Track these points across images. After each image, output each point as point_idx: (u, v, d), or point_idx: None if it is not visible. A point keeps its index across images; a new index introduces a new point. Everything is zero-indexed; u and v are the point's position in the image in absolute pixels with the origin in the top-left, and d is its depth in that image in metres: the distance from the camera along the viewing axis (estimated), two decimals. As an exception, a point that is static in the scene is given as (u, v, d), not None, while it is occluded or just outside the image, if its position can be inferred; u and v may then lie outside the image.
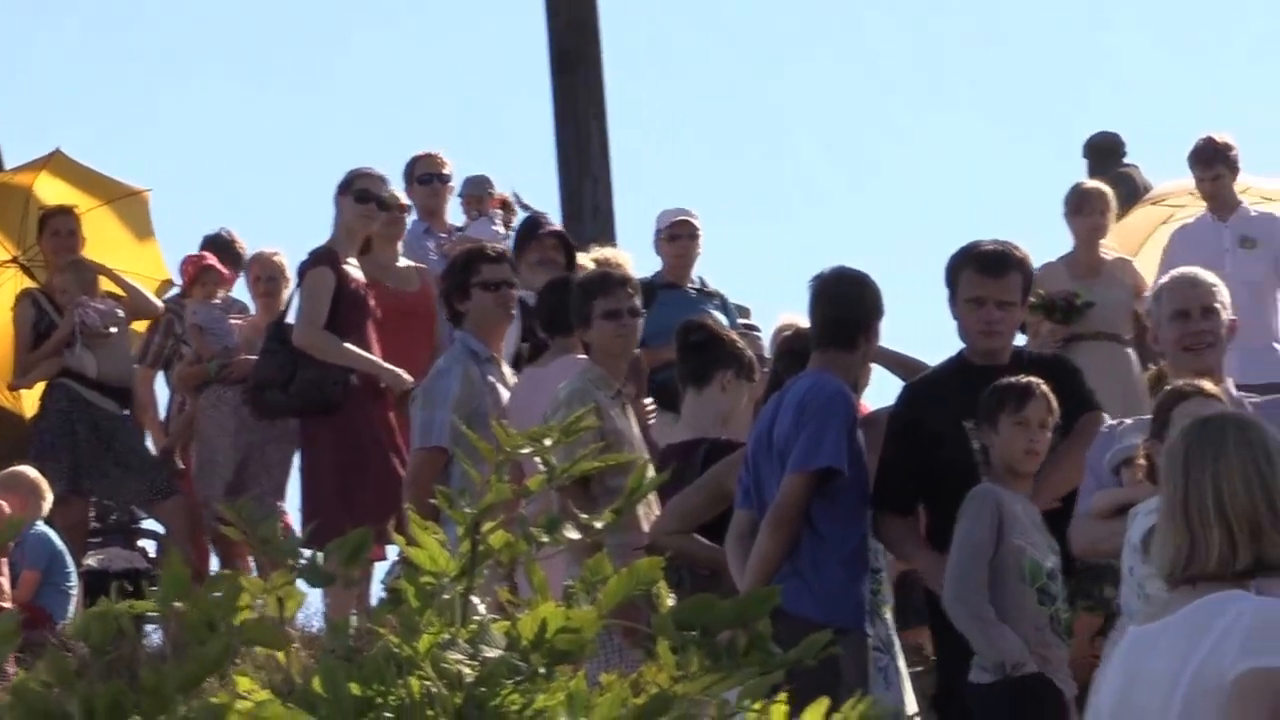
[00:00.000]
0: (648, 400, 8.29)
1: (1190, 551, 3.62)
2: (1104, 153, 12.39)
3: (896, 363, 7.92)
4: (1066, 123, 24.72)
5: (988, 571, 6.43)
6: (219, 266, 10.97)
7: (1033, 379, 6.51)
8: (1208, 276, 6.76)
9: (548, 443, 3.35)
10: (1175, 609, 3.66)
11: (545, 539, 3.28)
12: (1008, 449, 6.49)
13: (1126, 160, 12.73)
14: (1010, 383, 6.54)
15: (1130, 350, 10.07)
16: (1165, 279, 7.15)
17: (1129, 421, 6.50)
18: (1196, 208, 11.01)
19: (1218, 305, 6.52)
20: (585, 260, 9.40)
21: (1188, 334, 6.45)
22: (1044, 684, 6.44)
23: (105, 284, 10.72)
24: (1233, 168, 10.73)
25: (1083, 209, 10.45)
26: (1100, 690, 3.79)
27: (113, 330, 10.45)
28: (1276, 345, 10.48)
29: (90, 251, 10.76)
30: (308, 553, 3.29)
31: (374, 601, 8.45)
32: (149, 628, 8.22)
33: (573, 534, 3.31)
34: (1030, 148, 25.73)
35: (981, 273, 6.81)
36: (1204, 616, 3.54)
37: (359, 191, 9.53)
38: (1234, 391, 6.37)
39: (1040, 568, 6.44)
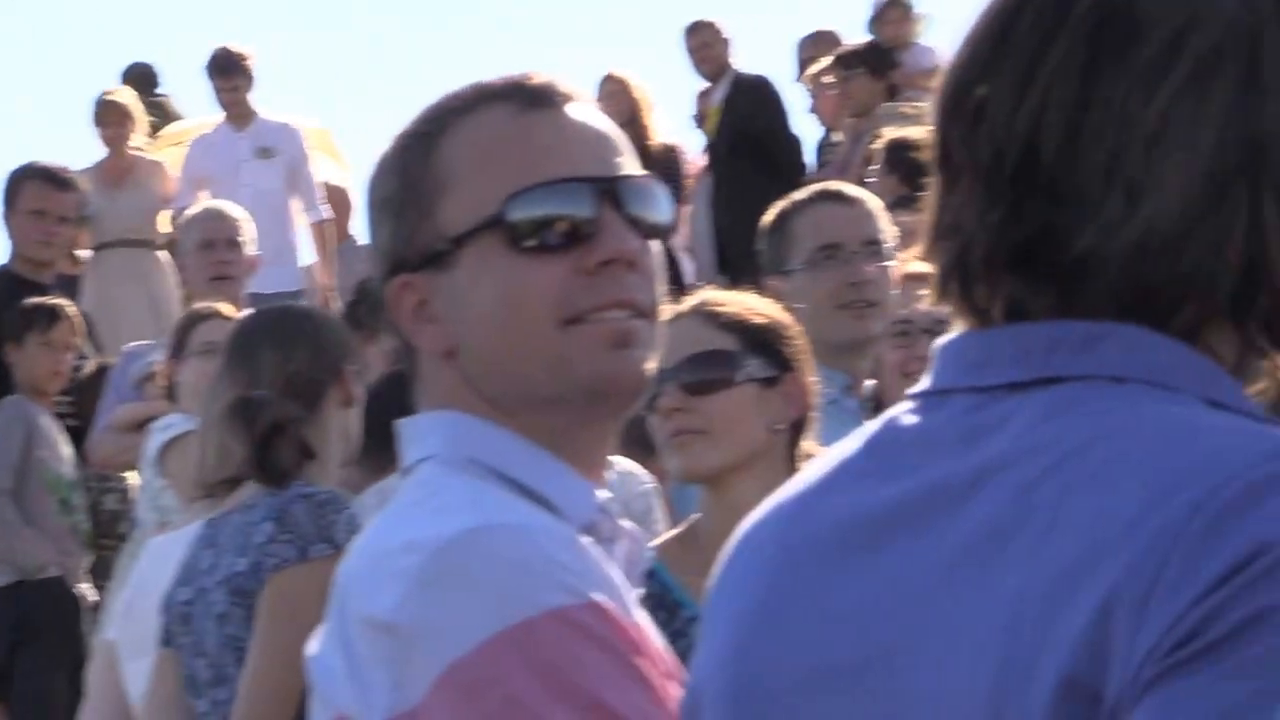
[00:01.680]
0: None
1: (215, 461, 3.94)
2: (140, 82, 12.42)
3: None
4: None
5: (13, 480, 6.54)
6: None
7: (62, 301, 6.64)
8: (233, 210, 7.11)
9: None
10: (200, 517, 3.97)
11: None
12: (34, 368, 6.61)
13: (160, 90, 12.84)
14: (38, 304, 6.64)
15: (160, 255, 9.97)
16: (195, 209, 7.43)
17: (152, 342, 6.72)
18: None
19: (240, 239, 6.85)
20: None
21: (214, 262, 6.74)
22: (63, 586, 6.66)
23: None
24: (249, 78, 10.74)
25: (104, 120, 10.37)
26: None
27: None
28: (293, 255, 10.63)
29: None
30: None
31: None
32: None
33: None
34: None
35: (44, 185, 6.92)
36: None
37: None
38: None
39: (61, 480, 6.58)
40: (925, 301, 1.45)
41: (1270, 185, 1.35)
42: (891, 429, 1.44)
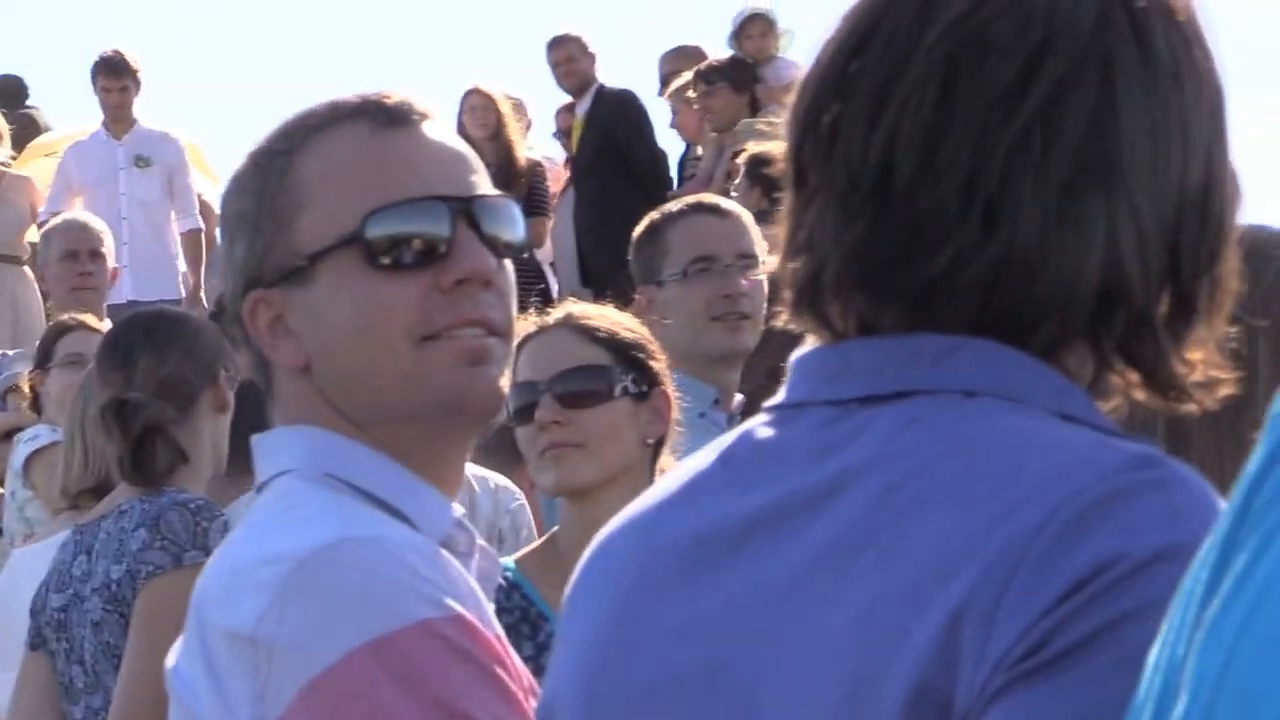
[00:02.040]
0: None
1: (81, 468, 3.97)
2: (7, 95, 12.21)
3: None
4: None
5: None
6: None
7: None
8: (95, 222, 7.07)
9: None
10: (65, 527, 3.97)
11: None
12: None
13: (30, 103, 12.67)
14: None
15: (26, 270, 9.76)
16: (57, 221, 7.38)
17: (15, 352, 6.67)
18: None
19: (103, 251, 6.82)
20: None
21: (77, 274, 6.72)
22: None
23: None
24: (138, 82, 10.56)
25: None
26: None
27: None
28: (171, 263, 10.50)
29: None
30: None
31: None
32: None
33: None
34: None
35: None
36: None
37: None
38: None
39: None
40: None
41: (1126, 209, 1.35)
42: (747, 442, 1.45)
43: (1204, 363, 1.41)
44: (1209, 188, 1.39)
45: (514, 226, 1.91)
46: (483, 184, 1.91)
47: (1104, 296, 1.36)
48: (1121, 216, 1.35)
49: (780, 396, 1.45)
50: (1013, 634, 1.25)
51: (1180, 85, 1.38)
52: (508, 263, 1.89)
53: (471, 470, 4.19)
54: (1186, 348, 1.41)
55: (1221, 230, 1.41)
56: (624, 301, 3.90)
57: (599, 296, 3.93)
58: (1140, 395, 1.43)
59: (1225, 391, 1.43)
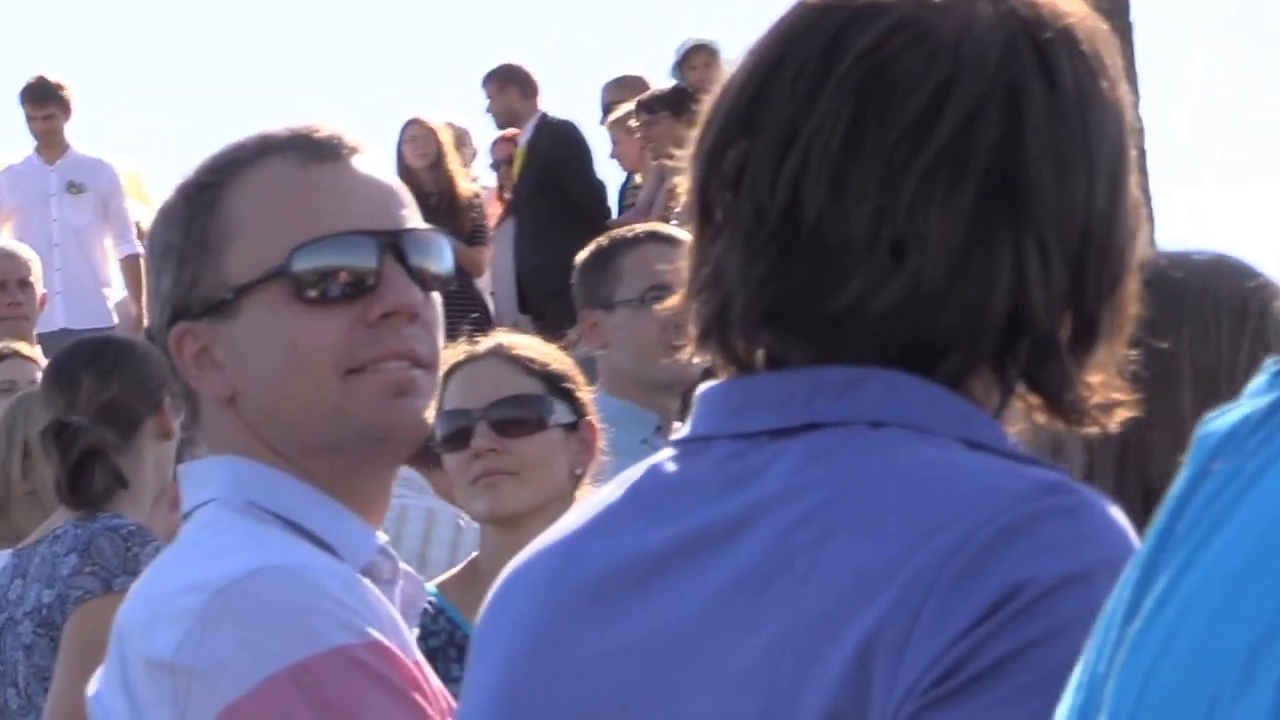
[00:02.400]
0: None
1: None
2: None
3: None
4: None
5: None
6: None
7: None
8: (24, 250, 7.06)
9: None
10: None
11: None
12: None
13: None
14: None
15: None
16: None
17: None
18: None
19: (32, 279, 6.82)
20: None
21: (5, 303, 6.72)
22: None
23: None
24: (65, 108, 10.41)
25: None
26: None
27: None
28: (104, 290, 10.39)
29: None
30: None
31: None
32: None
33: None
34: None
35: None
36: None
37: None
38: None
39: None
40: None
41: (1033, 238, 1.36)
42: (655, 475, 1.45)
43: (1104, 385, 1.43)
44: (1113, 216, 1.40)
45: (441, 259, 1.92)
46: (412, 217, 1.92)
47: (1010, 323, 1.36)
48: (1028, 245, 1.35)
49: (686, 430, 1.45)
50: (924, 661, 1.26)
51: (1085, 115, 1.39)
52: (435, 295, 1.90)
53: (405, 498, 4.20)
54: (1088, 371, 1.42)
55: (1124, 257, 1.42)
56: (563, 330, 3.92)
57: (538, 324, 3.95)
58: (1042, 418, 1.45)
59: (1124, 414, 1.44)
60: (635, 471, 1.47)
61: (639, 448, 3.84)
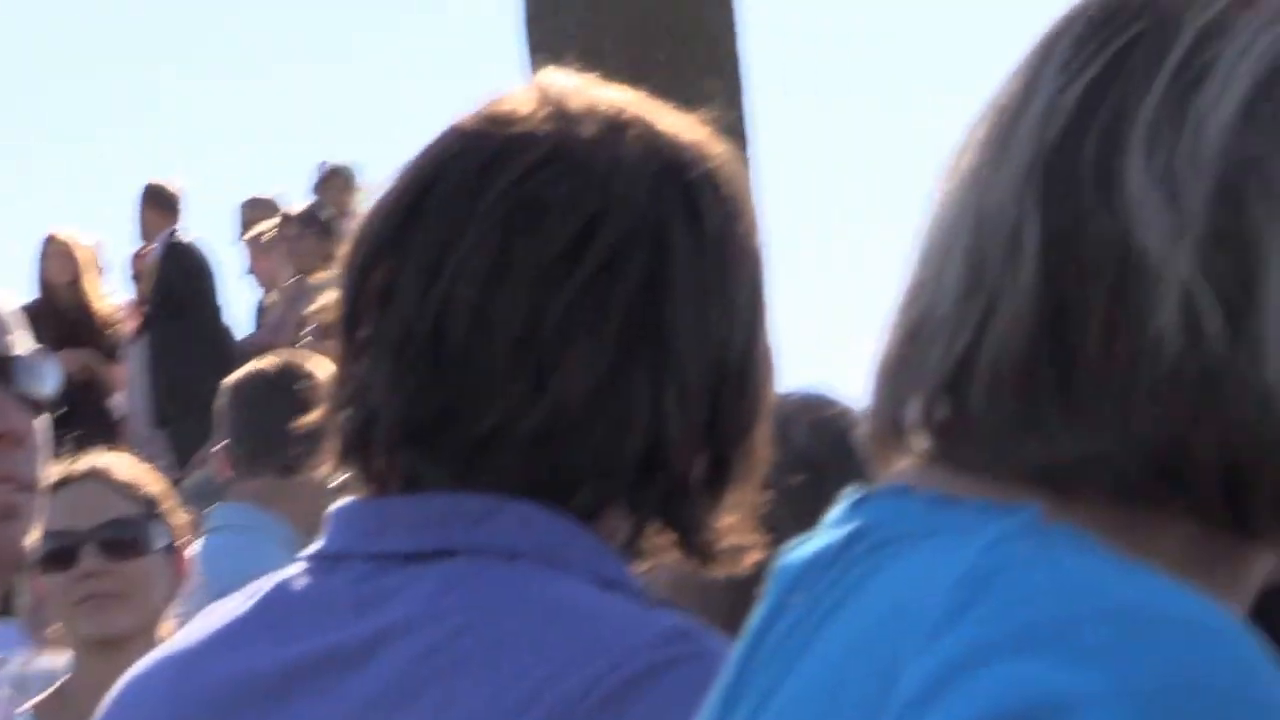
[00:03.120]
0: None
1: None
2: None
3: None
4: None
5: None
6: None
7: None
8: None
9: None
10: None
11: None
12: None
13: None
14: None
15: None
16: None
17: None
18: None
19: None
20: None
21: None
22: None
23: None
24: None
25: None
26: None
27: None
28: None
29: None
30: None
31: None
32: None
33: None
34: None
35: None
36: None
37: None
38: None
39: None
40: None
41: (672, 375, 1.35)
42: (285, 591, 1.41)
43: (735, 529, 1.41)
44: (749, 358, 1.40)
45: (48, 383, 1.89)
46: (19, 342, 1.89)
47: (646, 458, 1.35)
48: (668, 382, 1.35)
49: (318, 545, 1.42)
50: None
51: (725, 257, 1.39)
52: (41, 418, 1.87)
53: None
54: (720, 513, 1.41)
55: (758, 399, 1.42)
56: (194, 448, 3.95)
57: (171, 440, 3.98)
58: (674, 557, 1.43)
59: (754, 557, 1.41)
60: (263, 585, 1.43)
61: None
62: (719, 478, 1.40)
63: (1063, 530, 0.91)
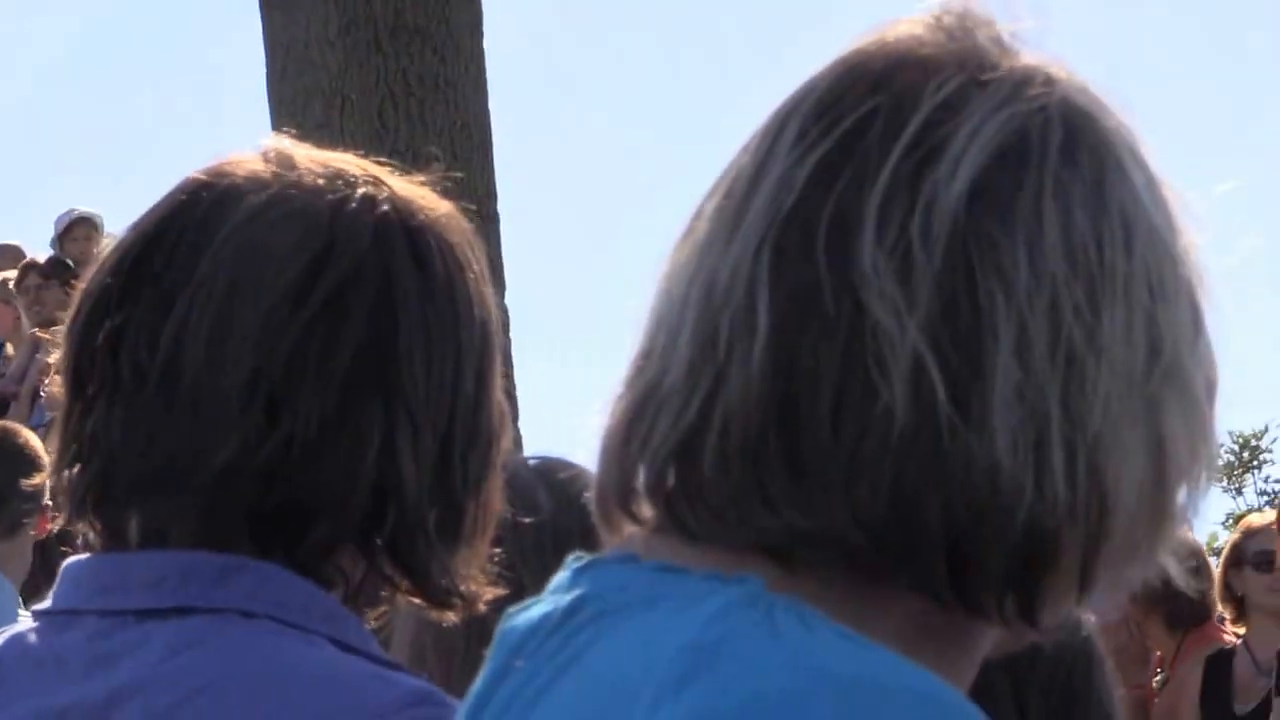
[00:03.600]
0: None
1: None
2: None
3: None
4: None
5: None
6: None
7: None
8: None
9: None
10: None
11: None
12: None
13: None
14: None
15: None
16: None
17: None
18: None
19: None
20: None
21: None
22: None
23: None
24: None
25: None
26: None
27: None
28: None
29: None
30: None
31: None
32: None
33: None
34: None
35: None
36: None
37: None
38: None
39: None
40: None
41: (404, 411, 1.36)
42: (15, 647, 1.39)
43: (468, 576, 1.43)
44: (479, 403, 1.42)
45: None
46: None
47: (378, 497, 1.36)
48: (399, 420, 1.36)
49: (49, 602, 1.40)
50: None
51: (454, 302, 1.42)
52: None
53: None
54: (455, 559, 1.42)
55: (490, 448, 1.43)
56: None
57: None
58: (407, 600, 1.44)
59: (488, 600, 1.43)
60: None
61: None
62: (453, 523, 1.41)
63: (789, 602, 0.91)
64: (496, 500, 1.45)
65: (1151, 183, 0.97)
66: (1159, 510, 0.95)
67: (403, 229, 1.42)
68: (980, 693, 0.95)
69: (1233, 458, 29.98)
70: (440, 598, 1.42)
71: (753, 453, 0.92)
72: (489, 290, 1.48)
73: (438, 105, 7.04)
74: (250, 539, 1.35)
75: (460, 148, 6.90)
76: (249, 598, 1.34)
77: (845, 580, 0.94)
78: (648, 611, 0.94)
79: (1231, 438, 29.32)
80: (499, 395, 1.46)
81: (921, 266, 0.90)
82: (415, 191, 1.46)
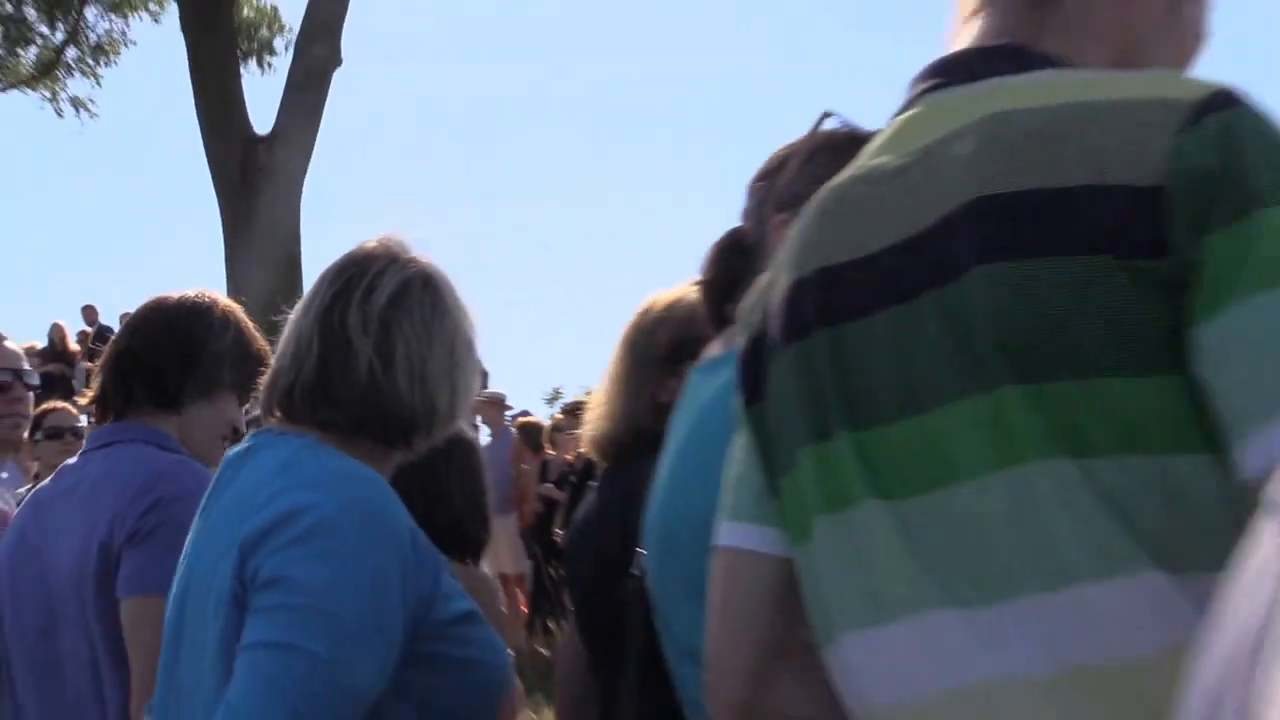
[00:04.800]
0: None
1: None
2: None
3: None
4: None
5: None
6: None
7: None
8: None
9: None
10: None
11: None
12: None
13: None
14: None
15: None
16: None
17: None
18: None
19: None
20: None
21: None
22: None
23: None
24: None
25: None
26: None
27: None
28: None
29: None
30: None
31: None
32: None
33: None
34: None
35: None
36: None
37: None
38: None
39: None
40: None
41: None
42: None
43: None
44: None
45: None
46: None
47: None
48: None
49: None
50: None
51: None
52: None
53: None
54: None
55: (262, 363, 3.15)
56: None
57: None
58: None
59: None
60: None
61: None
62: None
63: (324, 446, 2.22)
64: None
65: (461, 308, 2.34)
66: None
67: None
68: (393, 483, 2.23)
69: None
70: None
71: (315, 392, 2.25)
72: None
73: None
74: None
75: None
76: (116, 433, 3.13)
77: (345, 438, 2.25)
78: (266, 450, 2.22)
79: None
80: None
81: (363, 329, 2.26)
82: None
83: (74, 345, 16.06)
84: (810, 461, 1.49)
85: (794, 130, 2.20)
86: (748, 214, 2.20)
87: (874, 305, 1.44)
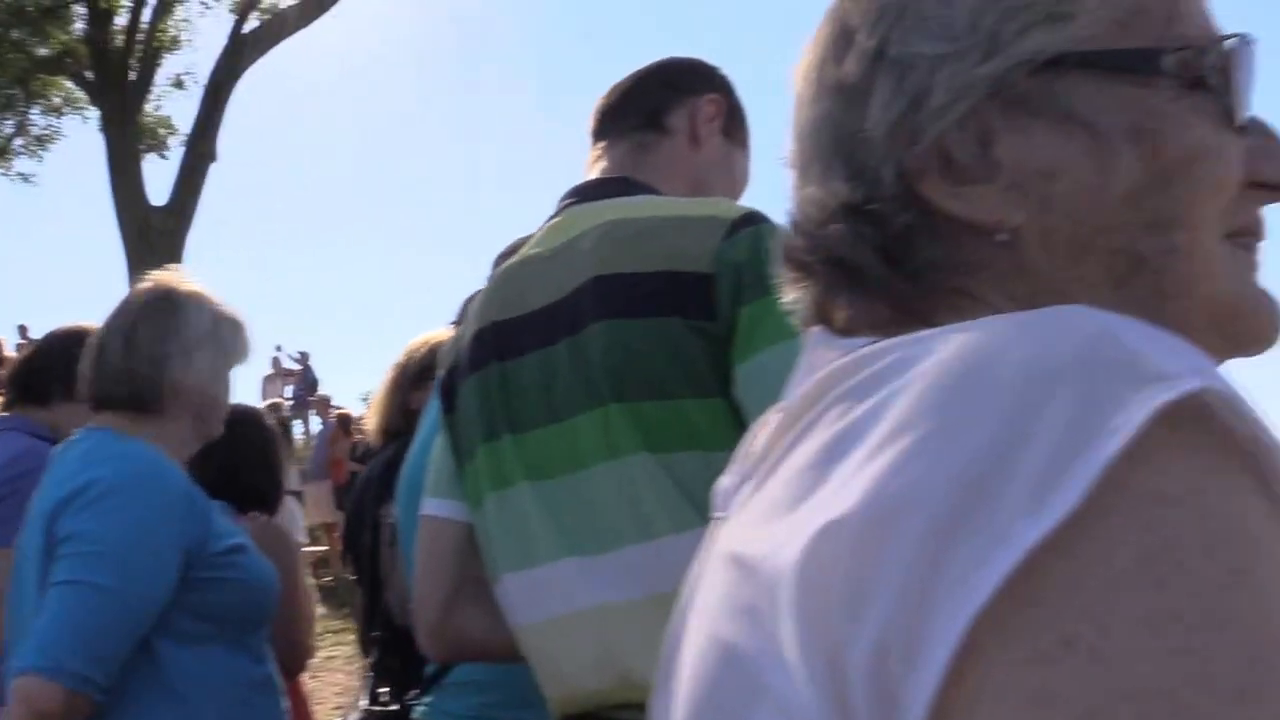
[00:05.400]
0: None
1: None
2: None
3: None
4: None
5: None
6: None
7: None
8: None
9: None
10: None
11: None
12: None
13: None
14: None
15: None
16: None
17: None
18: None
19: None
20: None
21: None
22: None
23: None
24: None
25: None
26: None
27: None
28: None
29: None
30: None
31: None
32: None
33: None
34: None
35: None
36: None
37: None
38: None
39: None
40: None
41: None
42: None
43: None
44: None
45: None
46: None
47: None
48: None
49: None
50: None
51: None
52: None
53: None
54: None
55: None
56: None
57: None
58: None
59: None
60: None
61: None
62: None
63: (119, 434, 2.54)
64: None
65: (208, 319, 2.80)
66: None
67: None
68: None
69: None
70: None
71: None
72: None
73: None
74: None
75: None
76: None
77: (131, 422, 2.54)
78: (80, 442, 2.58)
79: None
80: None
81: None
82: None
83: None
84: (484, 454, 1.82)
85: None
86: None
87: (529, 347, 1.81)
